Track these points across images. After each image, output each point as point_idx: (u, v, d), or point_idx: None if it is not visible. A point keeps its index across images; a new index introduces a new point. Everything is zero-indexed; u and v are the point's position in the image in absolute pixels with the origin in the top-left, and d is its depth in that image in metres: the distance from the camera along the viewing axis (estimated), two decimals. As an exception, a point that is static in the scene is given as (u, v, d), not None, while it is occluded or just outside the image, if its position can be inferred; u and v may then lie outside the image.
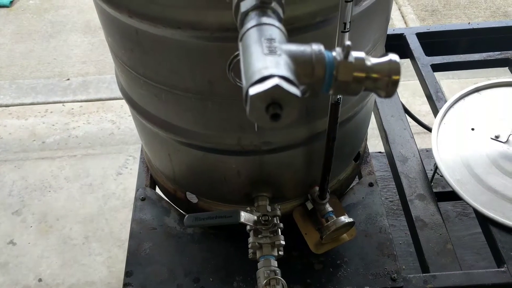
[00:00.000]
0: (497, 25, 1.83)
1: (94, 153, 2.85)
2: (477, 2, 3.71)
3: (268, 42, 0.43)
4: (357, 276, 1.22)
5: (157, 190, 1.45)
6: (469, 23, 1.88)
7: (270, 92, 0.39)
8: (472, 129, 1.49)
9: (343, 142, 1.19)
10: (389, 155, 1.56)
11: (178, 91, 0.96)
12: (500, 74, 2.11)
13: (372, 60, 0.48)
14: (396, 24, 3.57)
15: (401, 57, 1.83)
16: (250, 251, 1.11)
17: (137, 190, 1.42)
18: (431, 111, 3.07)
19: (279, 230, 1.12)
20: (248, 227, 1.11)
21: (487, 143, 1.45)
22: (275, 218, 1.12)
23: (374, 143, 2.55)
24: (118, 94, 3.45)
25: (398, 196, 1.67)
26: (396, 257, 1.26)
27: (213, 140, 1.05)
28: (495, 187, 1.35)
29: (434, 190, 1.46)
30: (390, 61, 0.48)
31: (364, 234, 1.29)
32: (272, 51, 0.42)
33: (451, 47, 1.91)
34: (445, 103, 1.59)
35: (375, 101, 1.67)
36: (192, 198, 1.31)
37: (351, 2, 0.75)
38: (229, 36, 0.84)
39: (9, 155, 2.85)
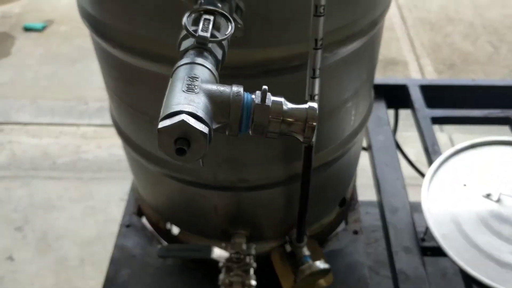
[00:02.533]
0: (500, 84, 1.82)
1: (101, 177, 2.90)
2: (496, 60, 3.72)
3: (190, 80, 0.45)
4: (329, 325, 1.19)
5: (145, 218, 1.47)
6: (473, 79, 1.89)
7: (176, 127, 0.41)
8: (464, 185, 1.47)
9: (325, 186, 1.19)
10: (380, 204, 1.54)
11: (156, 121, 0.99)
12: (505, 132, 2.09)
13: (289, 105, 0.50)
14: (413, 75, 3.59)
15: (402, 108, 1.83)
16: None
17: (123, 217, 1.44)
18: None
19: (251, 269, 1.12)
20: (220, 264, 1.11)
21: (478, 201, 1.42)
22: (248, 257, 1.12)
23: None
24: (132, 121, 3.46)
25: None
26: (371, 308, 1.23)
27: (190, 173, 1.07)
28: (481, 246, 1.31)
29: (428, 244, 1.44)
30: (309, 107, 0.50)
31: (342, 282, 1.27)
32: (190, 89, 0.44)
33: (454, 101, 1.91)
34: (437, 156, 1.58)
35: (371, 149, 1.67)
36: (175, 229, 1.32)
37: (319, 50, 0.77)
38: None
39: (19, 172, 2.92)
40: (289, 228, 1.23)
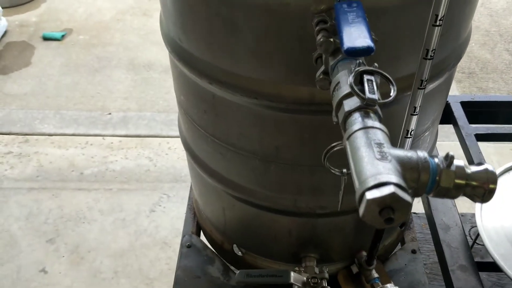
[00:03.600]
0: (542, 100, 1.85)
1: (130, 188, 2.91)
2: (515, 67, 3.75)
3: (378, 147, 0.47)
4: None
5: (202, 237, 1.49)
6: (513, 95, 1.91)
7: (387, 198, 0.43)
8: (517, 203, 1.50)
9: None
10: (431, 221, 1.57)
11: (244, 152, 1.01)
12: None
13: (471, 169, 0.52)
14: (432, 83, 3.61)
15: (445, 123, 1.85)
16: (296, 311, 1.12)
17: (183, 236, 1.46)
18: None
19: (326, 293, 1.14)
20: (295, 287, 1.14)
21: (532, 219, 1.45)
22: (323, 281, 1.14)
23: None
24: (157, 132, 3.52)
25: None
26: (438, 329, 1.25)
27: (270, 199, 1.09)
28: (540, 266, 1.34)
29: (481, 260, 1.46)
30: (487, 170, 0.52)
31: (406, 302, 1.30)
32: (383, 157, 0.46)
33: (494, 116, 1.93)
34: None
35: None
36: (238, 250, 1.34)
37: (423, 90, 0.79)
38: (303, 109, 0.89)
39: (48, 183, 2.93)
40: (357, 250, 1.25)
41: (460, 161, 0.52)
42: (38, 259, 2.53)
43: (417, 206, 1.85)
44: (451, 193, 0.51)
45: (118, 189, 2.90)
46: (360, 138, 0.49)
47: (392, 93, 0.53)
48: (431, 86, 0.93)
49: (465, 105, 1.87)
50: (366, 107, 0.52)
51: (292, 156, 0.98)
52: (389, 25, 0.79)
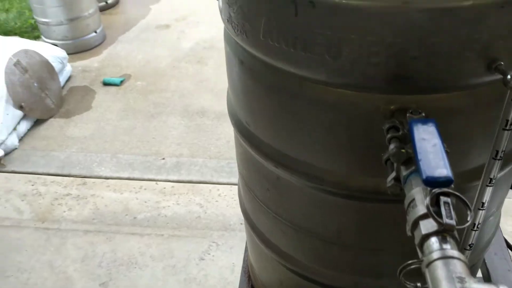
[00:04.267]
0: None
1: (180, 234, 2.97)
2: None
3: (459, 282, 0.48)
4: None
5: (255, 301, 1.50)
6: None
7: None
8: None
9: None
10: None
11: (305, 232, 1.03)
12: None
13: None
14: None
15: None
16: None
17: (237, 302, 1.47)
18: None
19: None
20: None
21: None
22: None
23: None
24: (208, 178, 3.59)
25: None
26: None
27: (330, 278, 1.09)
28: None
29: None
30: None
31: None
32: (467, 296, 0.47)
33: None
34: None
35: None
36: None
37: (491, 187, 0.79)
38: (366, 197, 0.91)
39: (103, 227, 3.04)
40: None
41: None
42: (91, 302, 2.60)
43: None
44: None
45: (169, 235, 2.96)
46: (440, 269, 0.50)
47: (469, 218, 0.54)
48: (497, 177, 0.93)
49: None
50: (443, 232, 0.54)
51: (354, 240, 0.99)
52: (458, 124, 0.80)
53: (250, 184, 1.12)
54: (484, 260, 1.59)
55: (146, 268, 2.78)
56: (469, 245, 0.88)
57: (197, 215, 3.09)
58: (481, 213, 0.83)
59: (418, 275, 0.55)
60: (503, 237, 1.67)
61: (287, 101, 0.86)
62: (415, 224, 0.57)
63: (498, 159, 0.76)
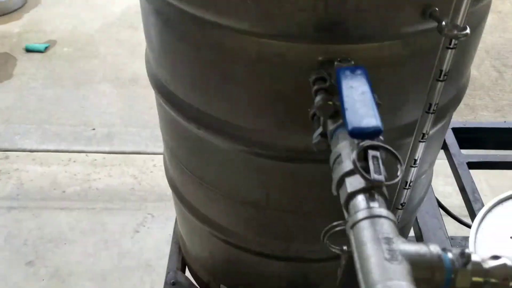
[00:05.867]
0: (532, 126, 1.84)
1: (113, 207, 2.84)
2: (501, 85, 3.76)
3: (386, 243, 0.43)
4: None
5: (187, 273, 1.43)
6: (504, 121, 1.90)
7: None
8: (511, 237, 1.47)
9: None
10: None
11: (234, 198, 0.96)
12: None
13: (488, 263, 0.48)
14: (420, 100, 3.60)
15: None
16: None
17: (167, 273, 1.40)
18: (453, 193, 3.04)
19: None
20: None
21: (526, 255, 1.42)
22: (315, 327, 1.09)
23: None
24: (142, 148, 3.45)
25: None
26: None
27: (260, 245, 1.04)
28: (536, 305, 1.31)
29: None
30: (506, 266, 0.48)
31: None
32: (392, 257, 0.42)
33: (484, 142, 1.92)
34: (481, 204, 1.58)
35: (410, 196, 1.66)
36: (226, 290, 1.29)
37: (432, 115, 0.74)
38: (294, 157, 0.85)
39: (28, 202, 2.84)
40: (349, 292, 1.21)
41: (476, 255, 0.47)
42: (16, 283, 2.44)
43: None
44: (468, 292, 0.46)
45: (101, 208, 2.82)
46: (366, 230, 0.45)
47: (399, 173, 0.49)
48: (430, 133, 0.89)
49: (457, 131, 1.85)
50: (371, 189, 0.48)
51: (283, 203, 0.93)
52: (390, 77, 0.75)
53: (175, 150, 1.03)
54: (416, 219, 1.60)
55: (76, 244, 2.64)
56: (401, 204, 0.84)
57: (131, 186, 2.96)
58: (413, 171, 0.80)
59: (344, 236, 0.50)
60: (435, 196, 1.69)
61: (208, 55, 0.78)
62: (341, 181, 0.51)
63: (431, 113, 0.72)
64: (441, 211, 1.76)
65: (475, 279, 0.46)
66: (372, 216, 0.46)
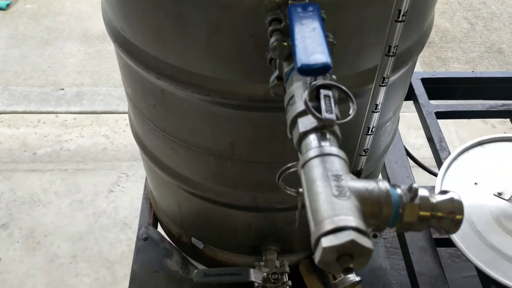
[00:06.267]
0: (500, 75, 1.86)
1: (86, 168, 2.81)
2: (473, 37, 3.78)
3: (335, 180, 0.43)
4: (360, 333, 1.21)
5: (160, 228, 1.43)
6: (473, 71, 1.91)
7: (345, 246, 0.38)
8: (475, 183, 1.51)
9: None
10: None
11: (197, 149, 0.95)
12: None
13: (436, 198, 0.48)
14: (393, 53, 3.60)
15: (405, 99, 1.83)
16: (257, 307, 1.10)
17: (139, 228, 1.40)
18: (424, 145, 3.09)
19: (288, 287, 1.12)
20: (256, 284, 1.11)
21: (490, 199, 1.46)
22: (284, 275, 1.12)
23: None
24: (113, 107, 3.39)
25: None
26: (398, 314, 1.26)
27: (227, 196, 1.04)
28: (498, 246, 1.36)
29: (438, 236, 1.47)
30: (453, 200, 0.49)
31: (367, 288, 1.30)
32: (341, 193, 0.41)
33: (453, 91, 1.94)
34: (448, 153, 1.61)
35: (380, 146, 1.68)
36: (197, 243, 1.30)
37: (392, 57, 0.74)
38: (258, 106, 0.84)
39: (-2, 165, 2.79)
40: (318, 240, 1.23)
41: (423, 190, 0.48)
42: (-10, 245, 2.42)
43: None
44: (415, 226, 0.47)
45: (74, 169, 2.79)
46: (316, 168, 0.44)
47: (352, 112, 0.48)
48: (392, 78, 0.89)
49: (426, 81, 1.86)
50: (322, 128, 0.47)
51: (248, 153, 0.93)
52: (349, 19, 0.73)
53: (137, 102, 1.00)
54: (385, 168, 1.63)
55: (51, 205, 2.62)
56: (364, 150, 0.84)
57: (104, 146, 2.92)
58: (376, 116, 0.79)
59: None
60: (403, 145, 1.71)
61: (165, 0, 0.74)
62: (294, 122, 0.50)
63: (391, 56, 0.71)
64: (410, 161, 1.79)
65: (422, 213, 0.46)
66: (322, 155, 0.45)
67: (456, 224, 0.48)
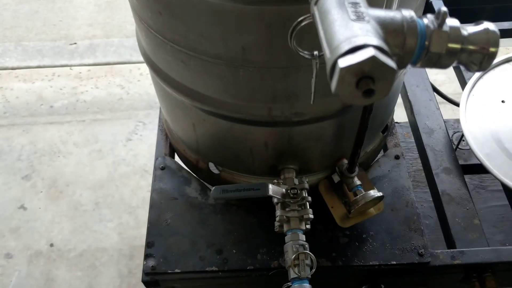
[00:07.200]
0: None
1: (103, 118, 2.81)
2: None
3: (352, 7, 0.38)
4: (384, 251, 1.19)
5: (176, 158, 1.41)
6: (498, -11, 1.80)
7: (365, 65, 0.33)
8: (503, 101, 1.44)
9: (375, 114, 1.14)
10: (414, 126, 1.51)
11: (208, 58, 0.91)
12: (526, 44, 2.05)
13: (468, 29, 0.43)
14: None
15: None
16: (277, 224, 1.08)
17: (156, 159, 1.38)
18: (447, 81, 2.99)
19: (308, 203, 1.09)
20: (275, 200, 1.08)
21: (517, 117, 1.40)
22: (303, 191, 1.09)
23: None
24: (126, 58, 3.36)
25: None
26: (423, 232, 1.23)
27: (242, 110, 1.00)
28: (526, 162, 1.31)
29: (465, 163, 1.43)
30: (488, 30, 0.43)
31: (390, 208, 1.26)
32: (359, 17, 0.37)
33: (478, 13, 1.83)
34: (472, 74, 1.54)
35: (400, 70, 1.61)
36: (215, 168, 1.28)
37: None
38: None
39: (17, 119, 2.81)
40: (338, 159, 1.19)
41: (454, 19, 0.42)
42: (15, 196, 2.46)
43: (399, 115, 1.79)
44: (443, 60, 0.42)
45: (91, 120, 2.79)
46: None
47: None
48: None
49: (449, 3, 1.76)
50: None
51: (261, 58, 0.88)
52: None
53: (142, 13, 0.96)
54: (406, 93, 1.57)
55: (71, 156, 2.64)
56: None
57: (119, 96, 2.91)
58: None
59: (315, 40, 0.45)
60: (425, 70, 1.64)
61: None
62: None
63: None
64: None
65: (451, 45, 0.41)
66: (336, -13, 0.40)
67: (489, 59, 0.43)
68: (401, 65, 0.42)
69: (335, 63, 0.35)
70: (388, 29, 0.38)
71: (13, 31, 3.26)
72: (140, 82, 2.98)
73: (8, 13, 3.36)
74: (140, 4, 0.94)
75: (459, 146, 1.87)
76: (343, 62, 0.34)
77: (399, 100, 1.66)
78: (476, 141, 1.36)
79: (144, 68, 3.03)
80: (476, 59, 0.42)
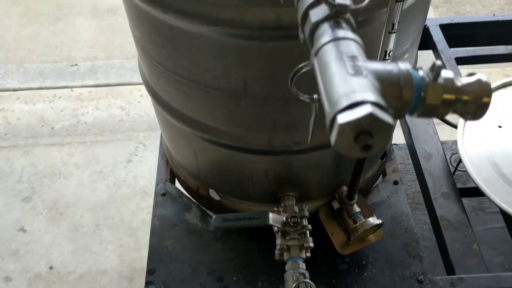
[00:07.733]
0: (522, 18, 1.78)
1: (104, 139, 2.82)
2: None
3: (351, 60, 0.39)
4: (383, 278, 1.20)
5: (177, 184, 1.43)
6: (494, 14, 1.83)
7: (363, 121, 0.35)
8: (499, 126, 1.46)
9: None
10: (412, 151, 1.53)
11: (210, 89, 0.93)
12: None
13: (462, 81, 0.45)
14: (409, 11, 3.50)
15: (423, 48, 1.77)
16: (277, 252, 1.08)
17: (157, 184, 1.40)
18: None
19: (308, 232, 1.10)
20: (275, 228, 1.09)
21: (514, 142, 1.41)
22: (303, 220, 1.10)
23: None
24: (127, 79, 3.39)
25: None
26: (422, 258, 1.24)
27: (243, 139, 1.02)
28: (523, 188, 1.32)
29: (463, 186, 1.44)
30: (480, 82, 0.45)
31: (389, 234, 1.27)
32: (357, 72, 0.38)
33: (474, 38, 1.86)
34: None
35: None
36: (215, 195, 1.29)
37: (401, 3, 0.71)
38: (270, 34, 0.81)
39: (18, 141, 2.82)
40: (337, 186, 1.20)
41: (448, 71, 0.44)
42: (15, 218, 2.46)
43: (398, 136, 1.81)
44: (439, 110, 0.43)
45: (92, 141, 2.81)
46: (330, 52, 0.41)
47: (366, -1, 0.45)
48: (409, 1, 0.85)
49: (444, 28, 1.79)
50: (336, 16, 0.44)
51: (262, 90, 0.90)
52: None
53: (145, 45, 0.98)
54: (405, 118, 1.58)
55: (71, 177, 2.65)
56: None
57: (120, 118, 2.93)
58: (393, 37, 0.76)
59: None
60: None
61: None
62: (305, 16, 0.47)
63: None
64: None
65: (446, 96, 0.43)
66: (336, 39, 0.42)
67: (483, 108, 0.44)
68: (398, 116, 0.43)
69: (334, 118, 0.37)
70: (385, 82, 0.40)
71: (15, 53, 3.29)
72: (140, 104, 3.00)
73: (10, 35, 3.40)
74: (143, 36, 0.97)
75: (458, 168, 1.88)
76: (342, 118, 0.36)
77: (397, 122, 1.68)
78: (474, 165, 1.38)
79: (145, 90, 3.05)
80: (470, 108, 0.44)
